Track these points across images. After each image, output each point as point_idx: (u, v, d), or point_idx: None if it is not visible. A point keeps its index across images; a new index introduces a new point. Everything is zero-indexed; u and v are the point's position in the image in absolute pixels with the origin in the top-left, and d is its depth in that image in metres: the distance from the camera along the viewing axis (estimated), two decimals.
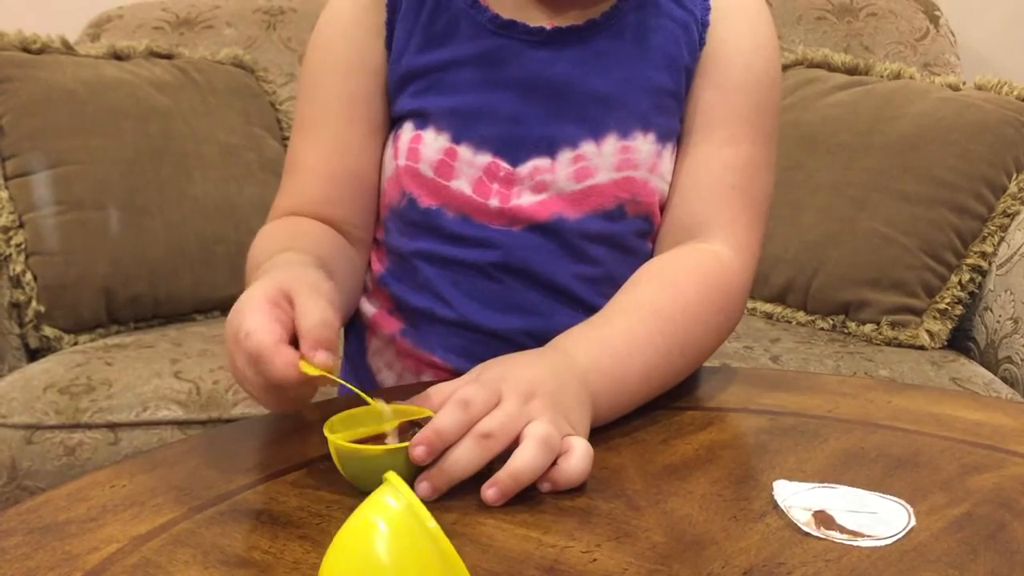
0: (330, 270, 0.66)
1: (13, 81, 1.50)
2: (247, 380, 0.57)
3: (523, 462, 0.53)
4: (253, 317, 0.56)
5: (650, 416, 0.66)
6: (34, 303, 1.45)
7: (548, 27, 0.75)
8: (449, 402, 0.55)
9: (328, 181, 0.79)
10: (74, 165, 1.50)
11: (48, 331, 1.45)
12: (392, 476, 0.42)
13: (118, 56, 1.66)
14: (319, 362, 0.54)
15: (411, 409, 0.58)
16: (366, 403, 0.57)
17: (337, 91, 0.78)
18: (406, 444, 0.54)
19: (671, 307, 0.69)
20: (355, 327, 0.85)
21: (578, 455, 0.55)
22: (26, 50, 1.55)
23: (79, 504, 0.54)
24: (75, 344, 1.46)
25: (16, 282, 1.45)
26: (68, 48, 1.61)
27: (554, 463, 0.55)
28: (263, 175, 1.65)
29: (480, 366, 0.61)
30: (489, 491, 0.53)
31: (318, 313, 0.56)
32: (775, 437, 0.63)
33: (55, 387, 1.27)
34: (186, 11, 1.92)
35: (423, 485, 0.54)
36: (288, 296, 0.58)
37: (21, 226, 1.47)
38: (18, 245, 1.46)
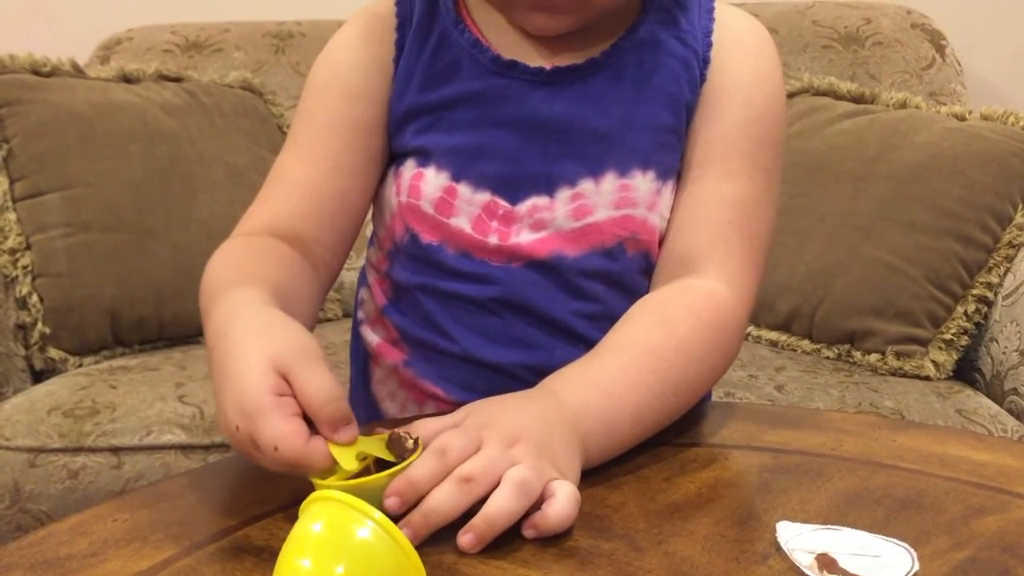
0: (287, 302, 0.65)
1: (23, 103, 1.52)
2: (265, 463, 0.55)
3: (497, 507, 0.52)
4: (271, 423, 0.53)
5: (653, 453, 0.66)
6: (40, 325, 1.45)
7: (548, 67, 0.75)
8: (426, 451, 0.54)
9: (312, 196, 0.77)
10: (82, 187, 1.50)
11: (53, 353, 1.46)
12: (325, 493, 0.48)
13: (127, 79, 1.67)
14: (345, 439, 0.54)
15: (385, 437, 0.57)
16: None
17: (337, 113, 0.78)
18: (387, 473, 0.53)
19: (663, 345, 0.68)
20: (359, 355, 0.85)
21: (561, 500, 0.54)
22: (36, 73, 1.57)
23: (80, 539, 0.54)
24: (80, 366, 1.46)
25: (22, 304, 1.46)
26: (78, 71, 1.63)
27: (539, 508, 0.54)
28: None
29: (467, 407, 0.61)
30: (464, 537, 0.52)
31: (324, 390, 0.54)
32: (778, 476, 0.62)
33: (59, 410, 1.27)
34: (195, 34, 1.93)
35: (404, 532, 0.52)
36: (285, 373, 0.54)
37: (28, 248, 1.47)
38: (25, 267, 1.46)
